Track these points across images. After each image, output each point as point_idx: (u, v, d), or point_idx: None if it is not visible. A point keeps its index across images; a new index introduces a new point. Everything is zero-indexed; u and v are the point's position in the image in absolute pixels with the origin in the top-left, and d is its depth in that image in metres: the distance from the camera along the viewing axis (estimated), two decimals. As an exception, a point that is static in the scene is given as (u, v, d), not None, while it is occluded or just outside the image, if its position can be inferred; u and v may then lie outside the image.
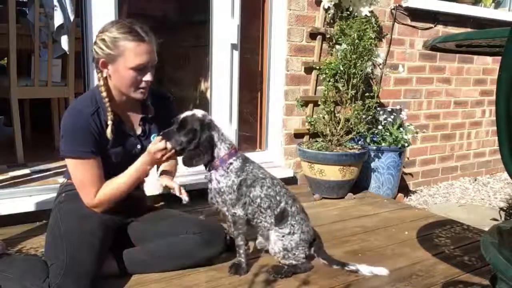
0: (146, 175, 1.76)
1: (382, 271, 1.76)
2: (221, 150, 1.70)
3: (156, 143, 1.63)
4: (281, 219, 1.75)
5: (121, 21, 1.63)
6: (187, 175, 2.52)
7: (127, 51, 1.55)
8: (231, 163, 1.71)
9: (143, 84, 1.62)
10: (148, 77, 1.61)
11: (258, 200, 1.73)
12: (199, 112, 1.70)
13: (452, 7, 3.63)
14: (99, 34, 1.60)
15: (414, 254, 1.99)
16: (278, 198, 1.76)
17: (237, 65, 2.88)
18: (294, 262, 1.75)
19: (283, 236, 1.74)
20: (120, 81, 1.61)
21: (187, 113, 1.69)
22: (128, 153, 1.72)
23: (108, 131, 1.62)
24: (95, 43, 1.60)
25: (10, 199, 2.20)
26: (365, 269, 1.76)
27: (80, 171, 1.61)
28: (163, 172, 1.85)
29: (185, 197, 1.77)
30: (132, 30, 1.56)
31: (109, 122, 1.62)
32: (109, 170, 1.67)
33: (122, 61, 1.56)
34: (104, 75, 1.62)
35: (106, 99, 1.62)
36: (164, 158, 1.64)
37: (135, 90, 1.62)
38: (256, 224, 1.78)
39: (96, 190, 1.63)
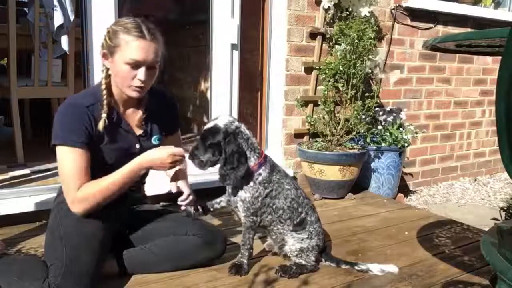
0: (139, 177, 1.68)
1: (393, 268, 1.76)
2: (250, 160, 1.63)
3: (176, 148, 1.60)
4: (299, 225, 1.75)
5: (131, 17, 1.61)
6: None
7: (124, 44, 1.53)
8: (260, 174, 1.66)
9: (136, 82, 1.57)
10: (141, 75, 1.56)
11: (280, 212, 1.71)
12: (221, 121, 1.60)
13: (452, 7, 3.63)
14: (107, 28, 1.60)
15: (414, 254, 1.99)
16: (300, 209, 1.74)
17: (237, 65, 2.88)
18: (303, 263, 1.75)
19: (302, 240, 1.74)
20: (115, 75, 1.59)
21: (209, 124, 1.59)
22: (126, 151, 1.69)
23: (101, 123, 1.58)
24: (104, 36, 1.60)
25: (10, 199, 2.20)
26: (375, 268, 1.75)
27: (68, 161, 1.54)
28: (178, 171, 1.79)
29: (189, 208, 1.78)
30: (135, 26, 1.55)
31: (103, 115, 1.58)
32: (106, 168, 1.62)
33: (119, 54, 1.55)
34: (107, 68, 1.61)
35: (104, 91, 1.60)
36: (171, 165, 1.62)
37: (128, 86, 1.58)
38: (271, 229, 1.78)
39: (81, 183, 1.55)
